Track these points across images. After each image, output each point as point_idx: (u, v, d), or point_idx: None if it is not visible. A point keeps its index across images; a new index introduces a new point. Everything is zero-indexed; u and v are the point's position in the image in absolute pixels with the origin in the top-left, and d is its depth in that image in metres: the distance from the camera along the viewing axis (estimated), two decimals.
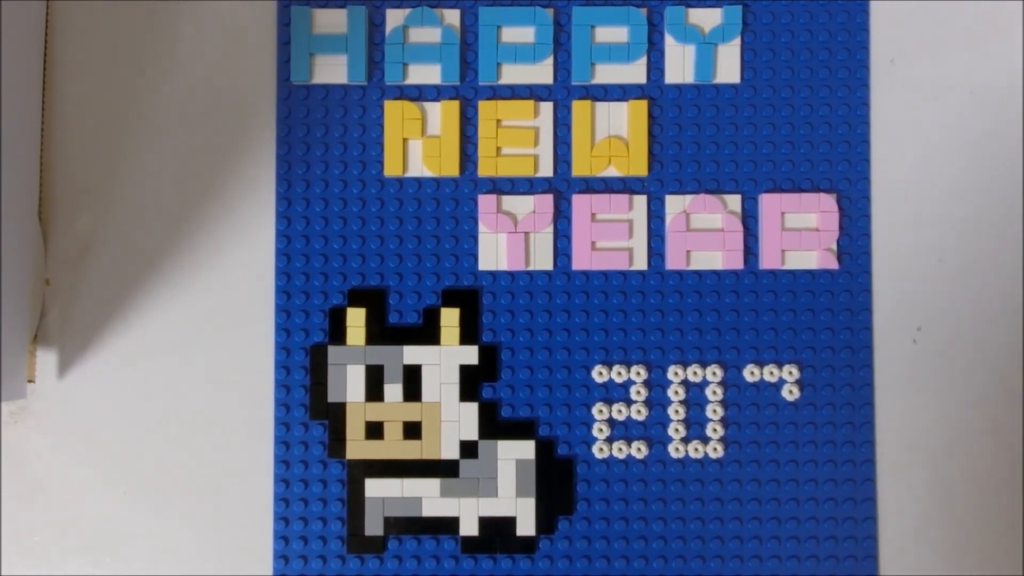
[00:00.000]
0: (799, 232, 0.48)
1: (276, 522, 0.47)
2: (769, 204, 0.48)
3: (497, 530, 0.47)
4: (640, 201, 0.48)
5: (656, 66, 0.48)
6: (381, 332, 0.48)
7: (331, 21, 0.48)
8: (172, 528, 0.47)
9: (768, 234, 0.48)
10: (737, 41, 0.48)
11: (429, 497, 0.47)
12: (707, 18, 0.48)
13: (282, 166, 0.48)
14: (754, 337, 0.48)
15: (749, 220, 0.48)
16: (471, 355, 0.48)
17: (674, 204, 0.48)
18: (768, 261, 0.48)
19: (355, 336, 0.47)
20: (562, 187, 0.48)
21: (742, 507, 0.47)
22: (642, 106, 0.48)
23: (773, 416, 0.47)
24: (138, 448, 0.48)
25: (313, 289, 0.48)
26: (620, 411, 0.47)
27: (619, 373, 0.47)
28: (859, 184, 0.48)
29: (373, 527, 0.47)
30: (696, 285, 0.48)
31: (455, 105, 0.48)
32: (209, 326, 0.48)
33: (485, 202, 0.48)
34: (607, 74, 0.48)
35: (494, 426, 0.47)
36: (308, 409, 0.47)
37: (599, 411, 0.47)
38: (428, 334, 0.48)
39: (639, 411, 0.47)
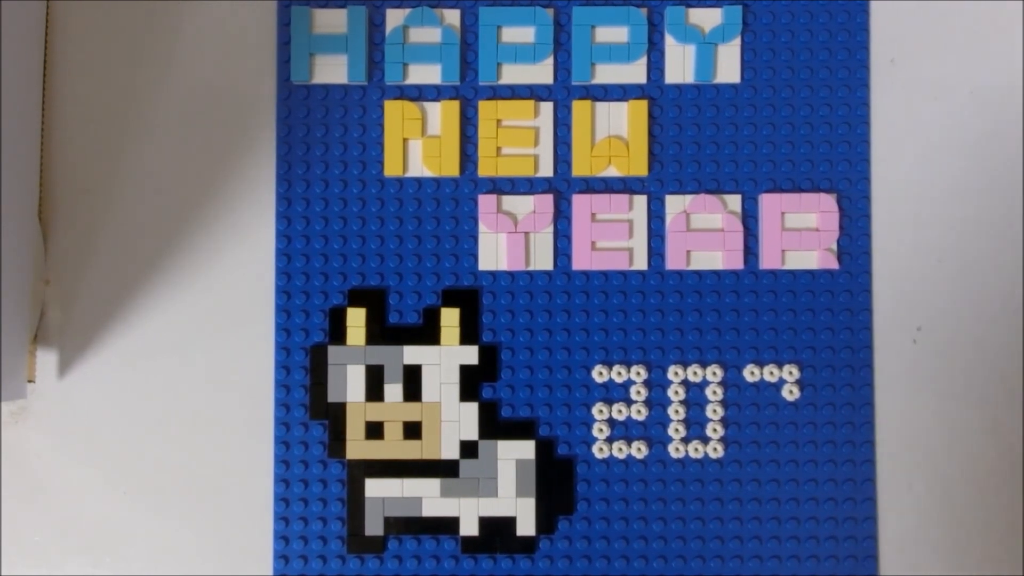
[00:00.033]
0: (799, 232, 0.48)
1: (276, 522, 0.47)
2: (769, 204, 0.48)
3: (497, 530, 0.47)
4: (640, 201, 0.48)
5: (656, 66, 0.48)
6: (381, 332, 0.48)
7: (331, 21, 0.48)
8: (172, 528, 0.47)
9: (768, 234, 0.48)
10: (737, 41, 0.48)
11: (429, 497, 0.47)
12: (707, 18, 0.48)
13: (282, 166, 0.48)
14: (754, 337, 0.48)
15: (749, 220, 0.48)
16: (471, 355, 0.48)
17: (674, 204, 0.48)
18: (768, 261, 0.48)
19: (355, 336, 0.47)
20: (562, 187, 0.48)
21: (742, 507, 0.47)
22: (642, 106, 0.48)
23: (773, 416, 0.47)
24: (138, 448, 0.48)
25: (313, 289, 0.48)
26: (620, 411, 0.47)
27: (619, 373, 0.47)
28: (859, 184, 0.48)
29: (373, 527, 0.47)
30: (696, 285, 0.48)
31: (455, 105, 0.48)
32: (209, 326, 0.48)
33: (485, 202, 0.48)
34: (607, 74, 0.48)
35: (494, 426, 0.47)
36: (308, 409, 0.47)
37: (599, 411, 0.47)
38: (428, 334, 0.48)
39: (639, 411, 0.47)
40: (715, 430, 0.47)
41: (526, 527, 0.47)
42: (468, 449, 0.47)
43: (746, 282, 0.48)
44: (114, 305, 0.48)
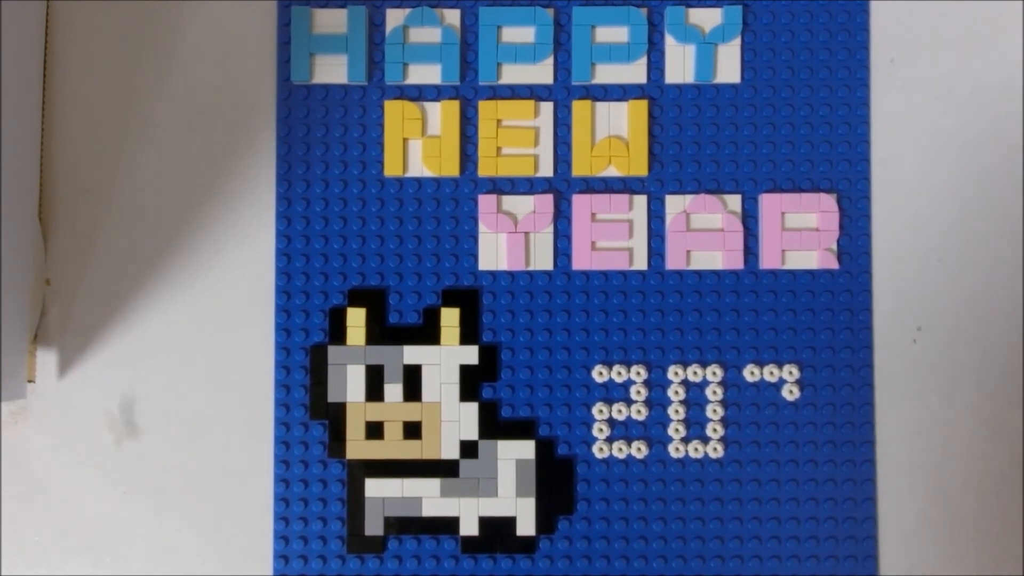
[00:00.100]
0: (799, 232, 0.48)
1: (276, 522, 0.47)
2: (769, 204, 0.48)
3: (497, 530, 0.47)
4: (640, 201, 0.48)
5: (656, 66, 0.48)
6: (381, 332, 0.48)
7: (331, 21, 0.48)
8: (172, 528, 0.47)
9: (768, 234, 0.48)
10: (737, 41, 0.48)
11: (429, 497, 0.47)
12: (707, 18, 0.48)
13: (282, 166, 0.48)
14: (754, 337, 0.48)
15: (749, 220, 0.48)
16: (471, 355, 0.48)
17: (674, 204, 0.48)
18: (768, 261, 0.48)
19: (355, 336, 0.47)
20: (562, 187, 0.48)
21: (742, 507, 0.47)
22: (642, 106, 0.48)
23: (773, 416, 0.47)
24: (138, 448, 0.48)
25: (313, 289, 0.48)
26: (620, 411, 0.47)
27: (619, 373, 0.47)
28: (859, 184, 0.48)
29: (373, 527, 0.47)
30: (696, 285, 0.48)
31: (455, 105, 0.48)
32: (209, 326, 0.48)
33: (485, 202, 0.48)
34: (607, 74, 0.48)
35: (494, 426, 0.47)
36: (308, 409, 0.47)
37: (599, 411, 0.47)
38: (428, 334, 0.48)
39: (639, 411, 0.47)
40: (715, 430, 0.47)
41: (526, 527, 0.47)
42: (468, 449, 0.47)
43: (746, 282, 0.48)
44: (114, 305, 0.48)
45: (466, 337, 0.48)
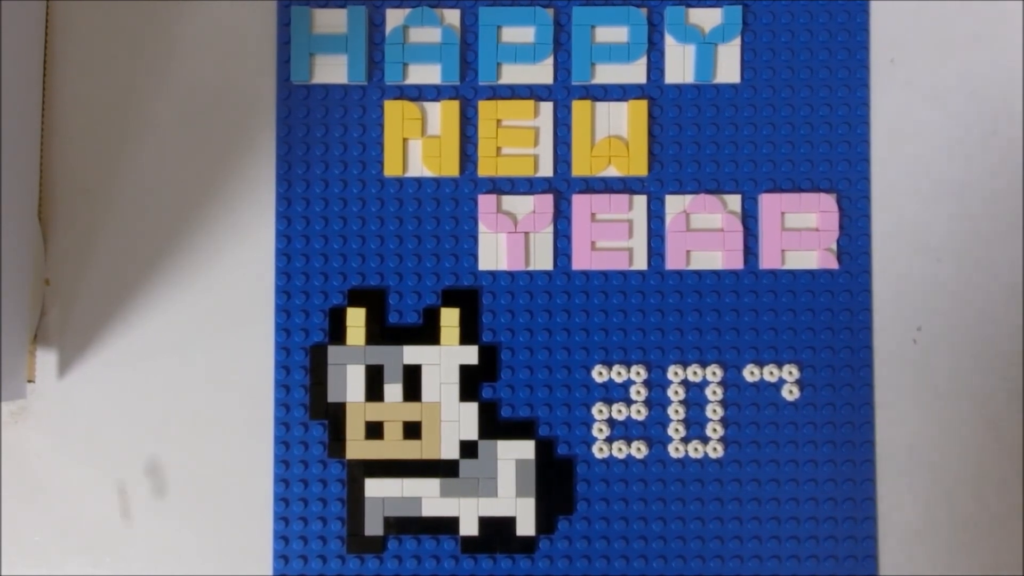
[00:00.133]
0: (799, 232, 0.48)
1: (276, 522, 0.47)
2: (769, 204, 0.48)
3: (497, 530, 0.47)
4: (640, 201, 0.48)
5: (656, 66, 0.48)
6: (381, 332, 0.48)
7: (331, 21, 0.48)
8: (172, 528, 0.47)
9: (768, 234, 0.48)
10: (737, 41, 0.48)
11: (429, 497, 0.47)
12: (707, 18, 0.48)
13: (282, 166, 0.48)
14: (754, 337, 0.48)
15: (749, 220, 0.48)
16: (471, 355, 0.48)
17: (674, 204, 0.48)
18: (768, 261, 0.48)
19: (355, 336, 0.47)
20: (562, 187, 0.48)
21: (742, 507, 0.47)
22: (642, 106, 0.48)
23: (773, 416, 0.47)
24: (138, 448, 0.48)
25: (313, 289, 0.48)
26: (620, 411, 0.47)
27: (619, 373, 0.47)
28: (859, 184, 0.48)
29: (373, 527, 0.47)
30: (696, 285, 0.48)
31: (455, 105, 0.48)
32: (209, 326, 0.48)
33: (485, 202, 0.48)
34: (607, 74, 0.48)
35: (494, 426, 0.47)
36: (308, 409, 0.47)
37: (599, 411, 0.47)
38: (428, 334, 0.48)
39: (639, 411, 0.47)
40: (715, 430, 0.47)
41: (526, 527, 0.47)
42: (468, 449, 0.47)
43: (746, 282, 0.48)
44: (114, 305, 0.48)
45: (466, 337, 0.48)
